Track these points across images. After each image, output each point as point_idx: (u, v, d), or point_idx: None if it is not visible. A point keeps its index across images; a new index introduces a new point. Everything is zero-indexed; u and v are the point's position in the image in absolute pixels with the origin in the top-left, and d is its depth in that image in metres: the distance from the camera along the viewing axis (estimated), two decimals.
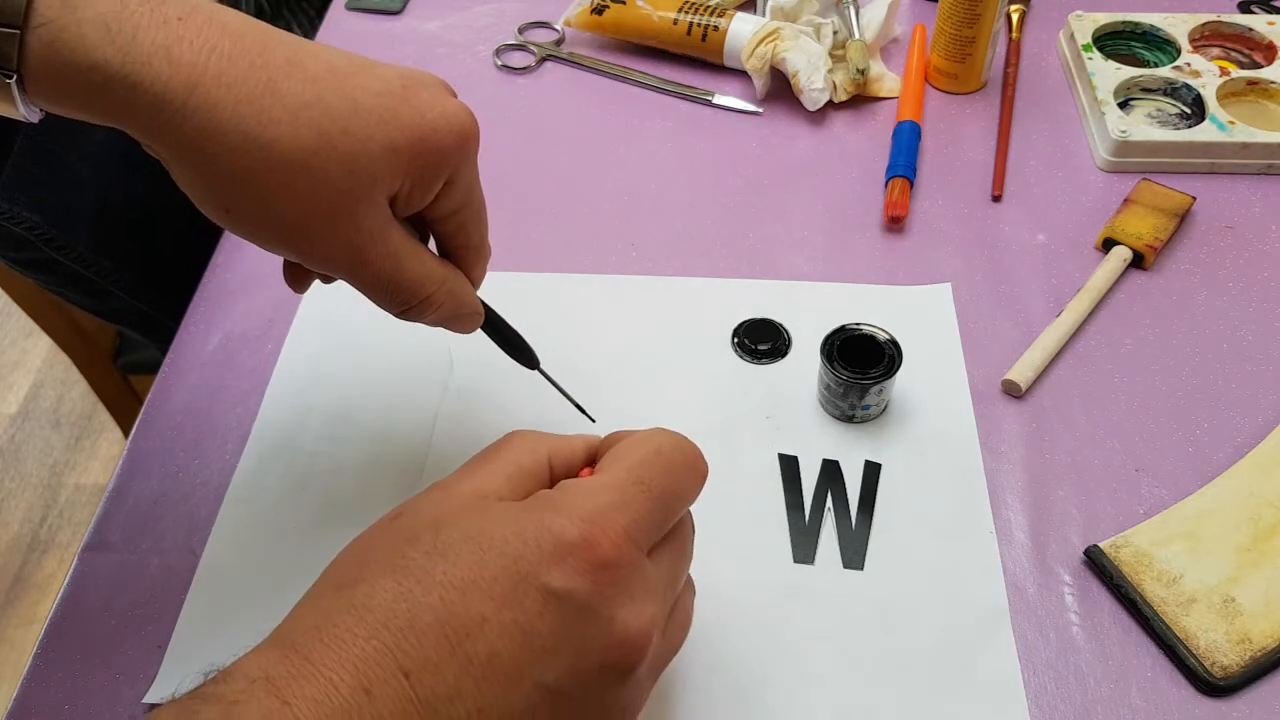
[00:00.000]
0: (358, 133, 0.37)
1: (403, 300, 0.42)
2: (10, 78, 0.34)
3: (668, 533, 0.36)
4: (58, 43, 0.33)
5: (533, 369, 0.50)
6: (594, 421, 0.52)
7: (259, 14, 1.16)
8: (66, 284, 0.86)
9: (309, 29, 1.18)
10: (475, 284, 0.46)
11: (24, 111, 0.36)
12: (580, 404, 0.52)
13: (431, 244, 0.44)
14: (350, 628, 0.31)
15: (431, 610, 0.31)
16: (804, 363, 0.56)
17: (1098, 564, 0.47)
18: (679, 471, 0.36)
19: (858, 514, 0.50)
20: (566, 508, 0.33)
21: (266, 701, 0.29)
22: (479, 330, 0.48)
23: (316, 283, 0.62)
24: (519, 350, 0.50)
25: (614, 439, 0.39)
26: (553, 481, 0.38)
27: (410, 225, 0.42)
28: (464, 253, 0.44)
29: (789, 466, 0.52)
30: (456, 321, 0.45)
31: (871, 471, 0.52)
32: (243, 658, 0.31)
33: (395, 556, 0.33)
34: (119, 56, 0.34)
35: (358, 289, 0.42)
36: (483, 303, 0.47)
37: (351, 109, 0.37)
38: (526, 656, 0.31)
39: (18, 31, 0.33)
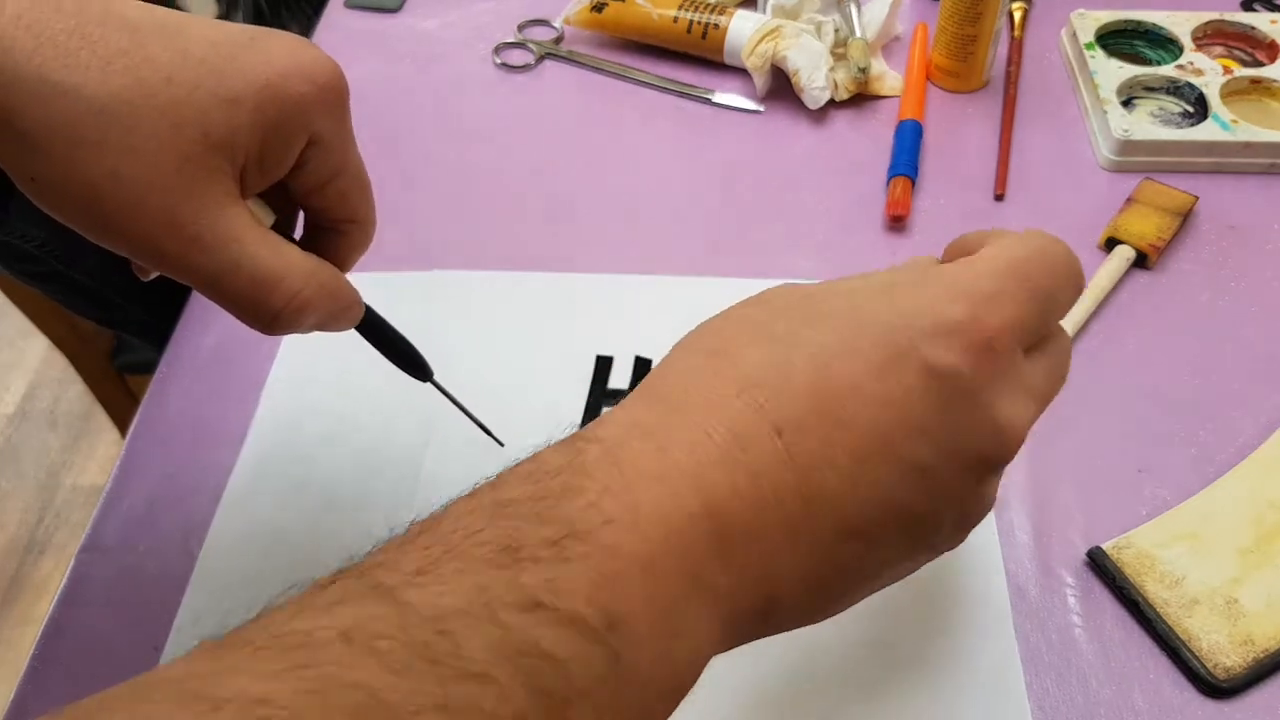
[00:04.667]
0: (184, 81, 0.32)
1: (263, 299, 0.34)
2: None
3: (1044, 341, 0.33)
4: None
5: (425, 381, 0.44)
6: (502, 445, 0.48)
7: (258, 13, 1.16)
8: (71, 292, 0.86)
9: (307, 26, 1.18)
10: (346, 268, 0.39)
11: None
12: (485, 425, 0.47)
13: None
14: (718, 387, 0.29)
15: (803, 373, 0.29)
16: None
17: (1100, 565, 0.47)
18: (1060, 275, 0.33)
19: None
20: (947, 286, 0.31)
21: (643, 445, 0.28)
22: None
23: None
24: (405, 358, 0.42)
25: (977, 239, 0.36)
26: None
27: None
28: (346, 229, 0.39)
29: None
30: (335, 321, 0.38)
31: None
32: (611, 411, 0.30)
33: (760, 330, 0.31)
34: None
35: (201, 290, 0.34)
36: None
37: (180, 59, 0.32)
38: (900, 432, 0.29)
39: None
